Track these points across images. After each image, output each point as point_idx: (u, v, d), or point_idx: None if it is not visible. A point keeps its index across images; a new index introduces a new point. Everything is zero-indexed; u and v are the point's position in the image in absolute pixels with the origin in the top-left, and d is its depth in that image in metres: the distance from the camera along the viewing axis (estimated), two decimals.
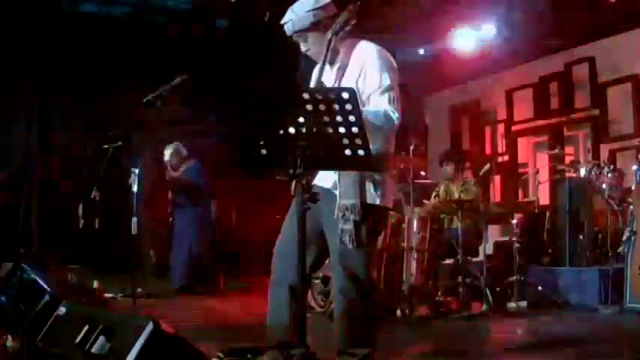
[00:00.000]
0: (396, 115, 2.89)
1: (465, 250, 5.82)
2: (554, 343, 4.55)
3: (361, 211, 2.88)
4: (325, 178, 2.99)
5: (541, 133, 8.98)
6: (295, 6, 3.01)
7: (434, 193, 6.81)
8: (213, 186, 7.72)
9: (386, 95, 2.91)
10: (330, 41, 2.93)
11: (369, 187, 2.94)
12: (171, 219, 7.59)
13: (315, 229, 2.98)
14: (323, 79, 3.01)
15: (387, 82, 2.93)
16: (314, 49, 3.03)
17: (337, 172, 2.94)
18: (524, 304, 5.89)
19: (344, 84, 2.98)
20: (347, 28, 2.94)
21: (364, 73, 2.97)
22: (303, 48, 3.07)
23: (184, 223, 7.41)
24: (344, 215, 2.90)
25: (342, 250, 2.94)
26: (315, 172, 2.83)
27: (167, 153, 7.46)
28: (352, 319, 2.98)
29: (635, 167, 5.91)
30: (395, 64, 3.03)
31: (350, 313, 2.98)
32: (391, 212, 4.36)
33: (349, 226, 2.88)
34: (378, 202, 2.98)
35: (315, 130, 2.42)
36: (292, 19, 2.98)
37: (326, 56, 2.94)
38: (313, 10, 2.95)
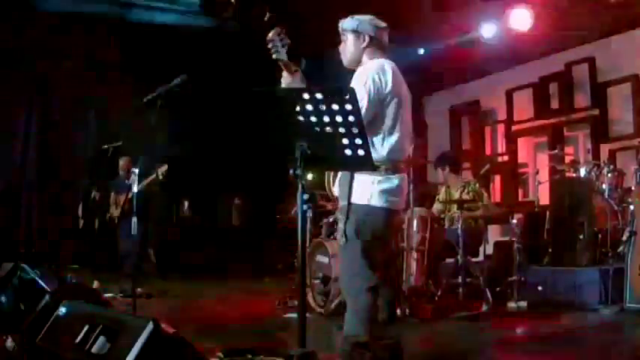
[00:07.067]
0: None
1: (465, 250, 5.82)
2: (554, 343, 4.55)
3: (349, 211, 2.93)
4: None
5: (541, 133, 8.97)
6: (357, 16, 3.21)
7: (436, 197, 6.76)
8: None
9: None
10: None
11: (367, 187, 2.94)
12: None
13: None
14: None
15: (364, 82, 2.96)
16: (346, 52, 3.19)
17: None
18: (524, 304, 5.89)
19: None
20: (368, 44, 3.13)
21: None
22: (341, 45, 3.22)
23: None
24: (340, 216, 2.98)
25: (339, 248, 3.03)
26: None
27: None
28: (351, 315, 2.98)
29: (635, 167, 5.91)
30: (386, 74, 3.00)
31: (349, 309, 3.00)
32: None
33: (342, 225, 2.96)
34: (374, 202, 2.96)
35: (315, 130, 2.42)
36: (346, 20, 3.20)
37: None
38: (361, 23, 3.16)
